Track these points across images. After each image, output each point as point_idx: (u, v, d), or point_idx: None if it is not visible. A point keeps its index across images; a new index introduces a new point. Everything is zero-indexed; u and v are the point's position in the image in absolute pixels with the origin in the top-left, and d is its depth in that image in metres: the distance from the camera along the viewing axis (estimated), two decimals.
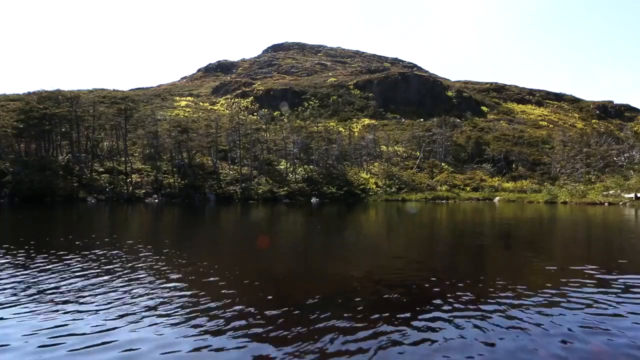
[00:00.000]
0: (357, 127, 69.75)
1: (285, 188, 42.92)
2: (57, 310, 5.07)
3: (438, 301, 5.62)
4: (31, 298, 5.58)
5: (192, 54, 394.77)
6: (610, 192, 42.38)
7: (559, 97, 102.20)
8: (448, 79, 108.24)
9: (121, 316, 4.88)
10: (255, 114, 69.30)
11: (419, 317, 4.98)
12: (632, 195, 38.62)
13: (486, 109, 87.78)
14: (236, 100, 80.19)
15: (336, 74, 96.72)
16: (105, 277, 6.81)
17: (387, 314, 5.06)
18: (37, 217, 21.31)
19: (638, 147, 60.80)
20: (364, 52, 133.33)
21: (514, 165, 60.06)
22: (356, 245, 12.26)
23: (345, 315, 5.00)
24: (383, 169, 52.57)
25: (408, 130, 68.50)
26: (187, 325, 4.60)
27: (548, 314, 5.09)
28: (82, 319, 4.78)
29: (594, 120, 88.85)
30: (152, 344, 4.11)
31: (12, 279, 6.66)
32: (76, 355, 3.88)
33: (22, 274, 7.00)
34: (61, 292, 5.89)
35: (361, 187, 47.51)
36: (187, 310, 5.14)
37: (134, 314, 4.97)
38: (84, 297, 5.68)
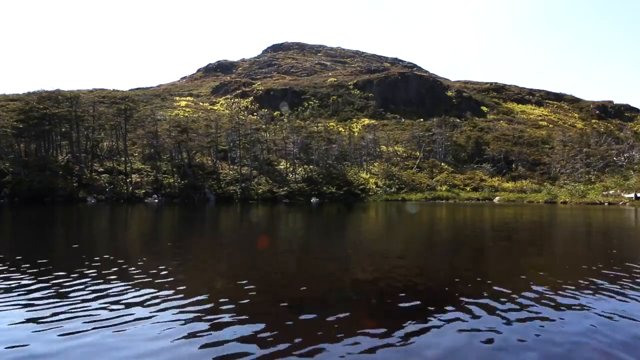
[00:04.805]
0: (357, 127, 69.79)
1: (285, 188, 42.92)
2: (58, 314, 5.07)
3: (438, 300, 5.62)
4: (36, 301, 5.59)
5: (192, 54, 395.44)
6: (610, 192, 42.43)
7: (559, 97, 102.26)
8: (448, 79, 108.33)
9: (119, 317, 4.88)
10: (255, 114, 69.30)
11: (419, 316, 4.98)
12: (632, 195, 38.65)
13: (486, 109, 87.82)
14: (236, 100, 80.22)
15: (336, 74, 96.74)
16: (105, 278, 6.81)
17: (387, 314, 5.07)
18: (38, 217, 21.30)
19: (638, 147, 60.82)
20: (364, 52, 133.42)
21: (513, 165, 60.09)
22: (356, 244, 12.26)
23: (345, 315, 5.00)
24: (383, 169, 52.59)
25: (408, 130, 68.55)
26: (186, 325, 4.60)
27: (549, 314, 5.10)
28: (80, 320, 4.78)
29: (593, 120, 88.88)
30: (147, 343, 4.11)
31: (18, 287, 6.66)
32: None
33: (24, 280, 6.99)
34: (61, 295, 5.89)
35: (361, 187, 47.53)
36: (186, 310, 5.14)
37: (132, 314, 4.97)
38: (82, 298, 5.68)
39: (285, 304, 5.50)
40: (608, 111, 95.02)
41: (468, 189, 50.38)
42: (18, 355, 3.82)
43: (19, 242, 11.64)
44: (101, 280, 6.52)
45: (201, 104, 77.45)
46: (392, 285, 6.72)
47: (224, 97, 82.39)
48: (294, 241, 13.15)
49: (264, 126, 56.42)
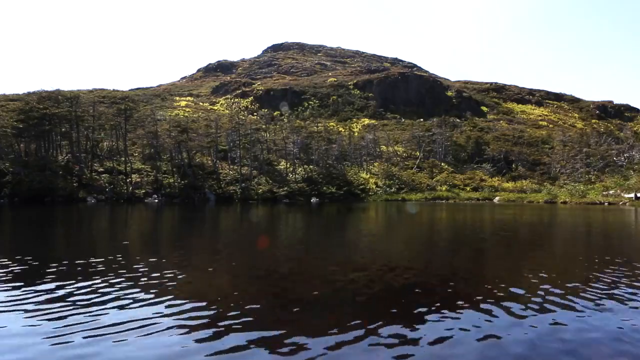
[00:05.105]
0: (357, 127, 69.77)
1: (285, 188, 42.90)
2: (54, 315, 5.07)
3: (439, 300, 5.62)
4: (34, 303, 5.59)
5: (192, 54, 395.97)
6: (610, 192, 42.44)
7: (559, 97, 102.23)
8: (448, 79, 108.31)
9: (117, 317, 4.88)
10: (255, 114, 69.26)
11: (421, 316, 4.98)
12: (632, 195, 38.65)
13: (486, 109, 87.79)
14: (236, 100, 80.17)
15: (336, 74, 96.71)
16: (107, 280, 6.81)
17: (388, 314, 5.06)
18: (38, 217, 21.29)
19: (638, 147, 60.82)
20: (364, 52, 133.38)
21: (513, 165, 60.07)
22: (356, 245, 12.25)
23: (346, 315, 5.00)
24: (383, 169, 52.57)
25: (408, 130, 68.53)
26: (185, 325, 4.60)
27: (547, 314, 5.09)
28: (85, 331, 4.78)
29: (593, 120, 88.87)
30: (145, 344, 4.11)
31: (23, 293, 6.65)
32: None
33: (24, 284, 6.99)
34: (64, 301, 5.89)
35: (361, 187, 47.52)
36: (190, 314, 5.14)
37: (135, 321, 4.97)
38: (84, 303, 5.68)
39: (286, 304, 5.50)
40: (608, 111, 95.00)
41: (468, 189, 50.36)
42: None
43: (19, 243, 11.64)
44: (103, 284, 6.51)
45: (201, 104, 77.40)
46: (393, 285, 6.71)
47: (224, 97, 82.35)
48: (294, 241, 13.15)
49: (264, 126, 56.41)
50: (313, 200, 41.57)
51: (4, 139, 38.93)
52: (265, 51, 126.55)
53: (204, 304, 5.35)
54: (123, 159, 43.17)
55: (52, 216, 21.91)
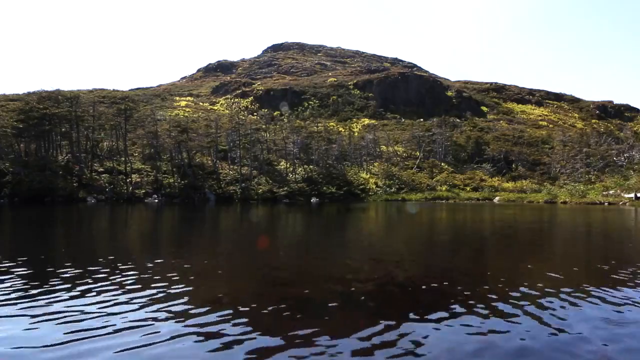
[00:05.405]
0: (357, 127, 69.74)
1: (285, 188, 42.89)
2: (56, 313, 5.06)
3: (439, 301, 5.62)
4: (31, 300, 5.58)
5: (192, 54, 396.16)
6: (610, 192, 42.44)
7: (558, 97, 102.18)
8: (448, 79, 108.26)
9: (118, 322, 4.88)
10: (255, 114, 69.23)
11: (421, 317, 4.98)
12: (632, 195, 38.65)
13: (486, 109, 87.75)
14: (236, 100, 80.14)
15: (336, 74, 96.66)
16: (108, 282, 6.81)
17: (389, 314, 5.06)
18: (38, 217, 21.28)
19: (638, 147, 60.81)
20: (364, 52, 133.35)
21: (513, 165, 60.06)
22: (356, 245, 12.25)
23: (346, 316, 5.00)
24: (383, 169, 52.55)
25: (408, 130, 68.51)
26: (188, 328, 4.59)
27: (547, 314, 5.09)
28: (80, 319, 4.77)
29: (593, 120, 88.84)
30: (144, 344, 4.10)
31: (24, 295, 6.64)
32: None
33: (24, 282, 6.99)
34: (65, 305, 5.88)
35: (361, 187, 47.51)
36: (187, 313, 5.13)
37: (131, 314, 4.97)
38: (83, 300, 5.68)
39: (287, 306, 5.49)
40: (608, 111, 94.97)
41: (468, 189, 50.34)
42: None
43: (19, 243, 11.64)
44: (103, 286, 6.50)
45: (201, 104, 77.37)
46: (393, 285, 6.71)
47: (224, 97, 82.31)
48: (294, 241, 13.14)
49: (264, 126, 56.38)
50: (313, 200, 41.56)
51: (4, 139, 38.90)
52: (265, 51, 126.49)
53: (205, 306, 5.34)
54: (123, 159, 43.15)
55: (52, 216, 21.90)
